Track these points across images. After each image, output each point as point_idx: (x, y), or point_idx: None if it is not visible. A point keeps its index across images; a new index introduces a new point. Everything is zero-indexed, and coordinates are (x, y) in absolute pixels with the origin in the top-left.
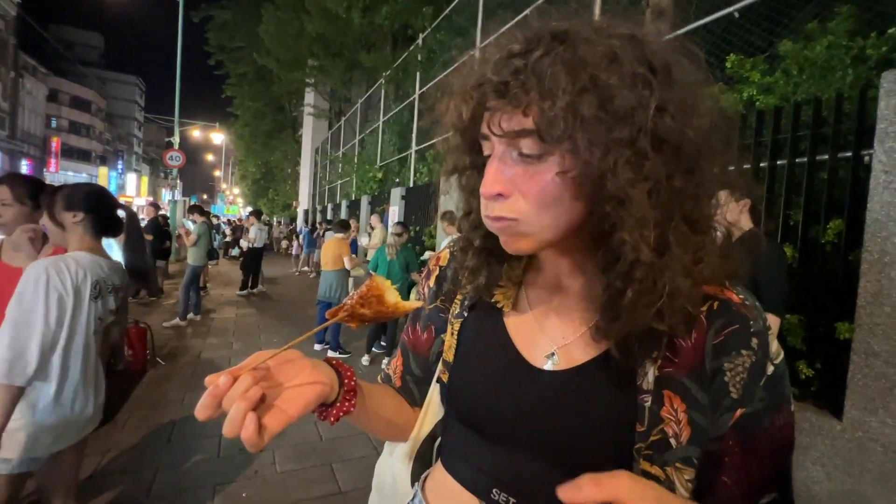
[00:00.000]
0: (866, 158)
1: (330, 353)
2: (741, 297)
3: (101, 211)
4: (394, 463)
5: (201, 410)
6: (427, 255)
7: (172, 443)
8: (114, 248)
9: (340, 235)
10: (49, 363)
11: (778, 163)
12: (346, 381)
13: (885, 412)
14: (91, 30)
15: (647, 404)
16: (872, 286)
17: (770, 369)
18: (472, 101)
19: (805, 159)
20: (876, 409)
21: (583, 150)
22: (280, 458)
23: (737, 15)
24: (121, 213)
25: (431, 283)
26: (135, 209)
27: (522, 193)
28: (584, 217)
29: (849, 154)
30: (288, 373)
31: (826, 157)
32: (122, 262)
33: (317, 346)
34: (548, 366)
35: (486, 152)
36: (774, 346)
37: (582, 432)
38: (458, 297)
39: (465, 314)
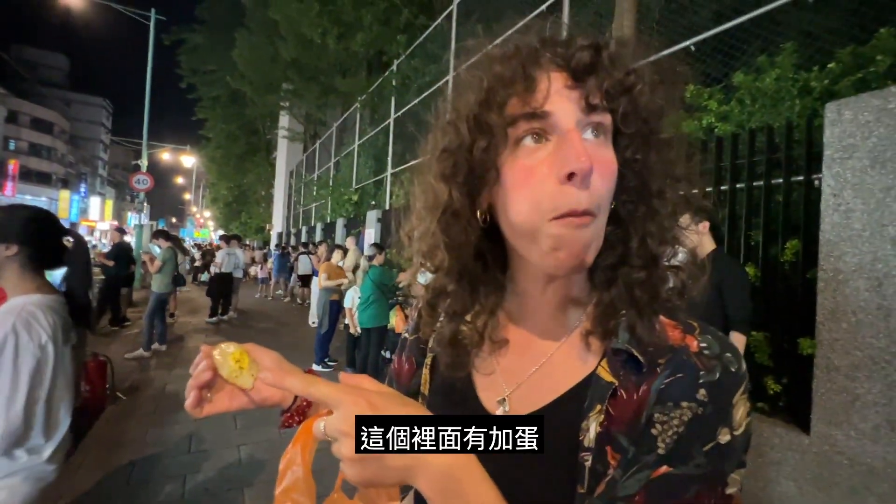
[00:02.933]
0: (816, 182)
1: (314, 367)
2: (702, 345)
3: (42, 242)
4: None
5: (191, 368)
6: (401, 276)
7: (132, 485)
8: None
9: (331, 259)
10: (33, 427)
11: (737, 186)
12: (298, 398)
13: (848, 425)
14: (57, 51)
15: (588, 463)
16: (829, 303)
17: (724, 437)
18: (543, 71)
19: (762, 183)
20: (840, 422)
21: (634, 143)
22: (250, 497)
23: (693, 48)
24: (68, 239)
25: (415, 313)
26: (97, 233)
27: (599, 172)
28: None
29: (801, 178)
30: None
31: (781, 180)
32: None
33: (315, 367)
34: (499, 411)
35: (521, 131)
36: (741, 412)
37: (523, 489)
38: (436, 329)
39: (439, 349)
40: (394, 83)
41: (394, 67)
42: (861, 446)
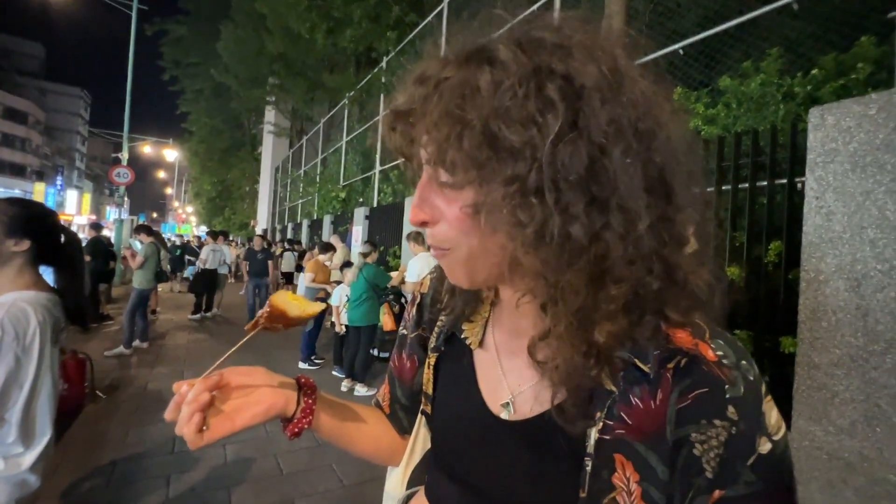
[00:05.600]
0: (799, 185)
1: (300, 365)
2: (719, 353)
3: (47, 238)
4: (387, 488)
5: (168, 413)
6: (392, 275)
7: (113, 486)
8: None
9: (321, 257)
10: (9, 432)
11: (723, 188)
12: (304, 399)
13: (827, 421)
14: (32, 39)
15: (589, 468)
16: (811, 303)
17: (764, 446)
18: (394, 129)
19: (747, 185)
20: (819, 418)
21: (475, 186)
22: (237, 496)
23: (682, 52)
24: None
25: (414, 310)
26: (75, 228)
27: (446, 221)
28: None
29: (784, 181)
30: (248, 385)
31: (765, 183)
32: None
33: (301, 365)
34: (504, 415)
35: None
36: (773, 416)
37: (528, 492)
38: (436, 328)
39: (442, 348)
40: (383, 80)
41: (383, 64)
42: (839, 441)
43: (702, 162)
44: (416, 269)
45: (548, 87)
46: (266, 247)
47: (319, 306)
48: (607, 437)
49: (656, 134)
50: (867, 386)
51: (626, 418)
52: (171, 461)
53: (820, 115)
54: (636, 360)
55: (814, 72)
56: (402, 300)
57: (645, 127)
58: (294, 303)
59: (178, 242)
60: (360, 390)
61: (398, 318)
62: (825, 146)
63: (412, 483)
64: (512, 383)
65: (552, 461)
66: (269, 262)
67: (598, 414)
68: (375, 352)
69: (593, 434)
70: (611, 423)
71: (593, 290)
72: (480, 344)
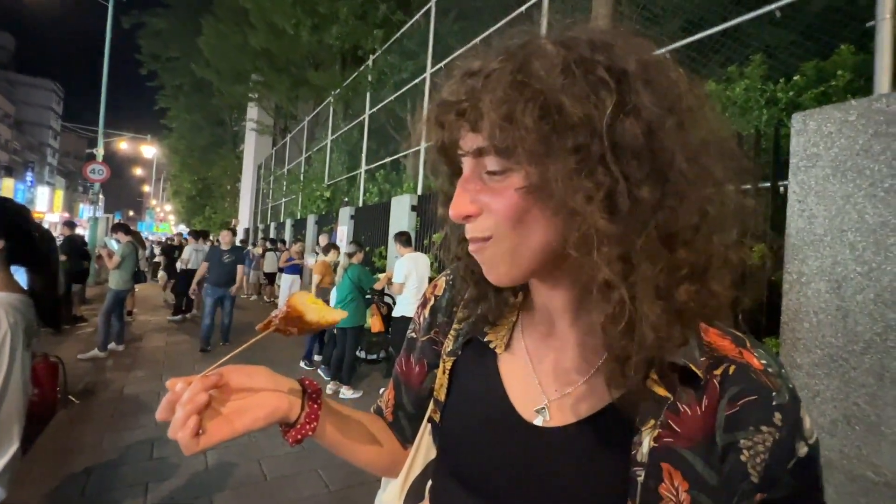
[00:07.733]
0: (782, 189)
1: (301, 364)
2: (763, 362)
3: (22, 237)
4: (384, 500)
5: (160, 412)
6: (378, 276)
7: (88, 496)
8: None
9: (324, 258)
10: None
11: None
12: (308, 403)
13: (809, 420)
14: (1, 29)
15: (640, 478)
16: (793, 304)
17: (802, 450)
18: (440, 123)
19: None
20: None
21: (536, 162)
22: (219, 503)
23: (667, 56)
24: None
25: (426, 313)
26: (46, 226)
27: (490, 211)
28: (560, 238)
29: (768, 184)
30: (249, 387)
31: (749, 186)
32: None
33: (302, 364)
34: (538, 420)
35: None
36: (808, 423)
37: (566, 501)
38: (452, 331)
39: (459, 352)
40: (369, 78)
41: (369, 63)
42: (820, 440)
43: (739, 151)
44: (402, 270)
45: (597, 69)
46: (237, 244)
47: (340, 314)
48: (656, 446)
49: (692, 119)
50: (847, 385)
51: (673, 426)
52: (150, 468)
53: (802, 121)
54: (690, 365)
55: (796, 78)
56: (391, 301)
57: (682, 110)
58: (313, 307)
59: (175, 242)
60: (346, 393)
61: (386, 319)
62: (807, 151)
63: (410, 496)
64: (547, 388)
65: (594, 469)
66: (239, 267)
67: (653, 421)
68: (363, 354)
69: (647, 442)
70: (660, 430)
71: (667, 252)
72: (507, 348)
